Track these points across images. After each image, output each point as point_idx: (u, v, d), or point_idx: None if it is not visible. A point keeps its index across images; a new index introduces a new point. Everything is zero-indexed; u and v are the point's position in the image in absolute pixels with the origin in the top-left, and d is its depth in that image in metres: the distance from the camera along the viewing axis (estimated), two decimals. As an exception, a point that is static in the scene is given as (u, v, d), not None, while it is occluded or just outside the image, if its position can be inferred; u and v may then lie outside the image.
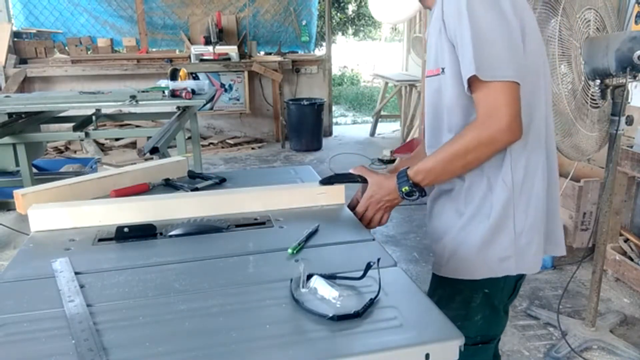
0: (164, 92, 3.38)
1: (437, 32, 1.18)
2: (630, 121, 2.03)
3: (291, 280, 0.93)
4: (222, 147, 6.36)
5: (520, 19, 1.11)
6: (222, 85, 6.37)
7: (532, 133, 1.18)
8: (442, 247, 1.26)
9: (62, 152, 5.98)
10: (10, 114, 3.26)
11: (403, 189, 1.22)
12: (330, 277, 0.94)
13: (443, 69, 1.18)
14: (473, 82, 1.10)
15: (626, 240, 3.04)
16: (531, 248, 1.20)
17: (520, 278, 1.28)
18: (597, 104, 1.99)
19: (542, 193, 1.20)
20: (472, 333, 1.24)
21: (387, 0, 1.40)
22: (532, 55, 1.15)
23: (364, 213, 1.32)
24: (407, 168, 1.22)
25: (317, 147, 6.39)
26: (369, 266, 0.95)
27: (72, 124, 3.66)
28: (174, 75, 3.73)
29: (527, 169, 1.17)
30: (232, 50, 6.23)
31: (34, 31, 6.26)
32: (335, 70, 12.46)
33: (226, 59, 6.21)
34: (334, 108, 7.89)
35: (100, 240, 1.17)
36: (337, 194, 1.40)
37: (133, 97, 3.26)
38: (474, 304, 1.24)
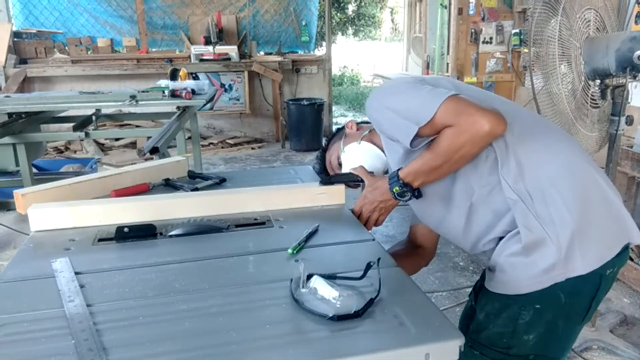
0: (164, 92, 3.38)
1: (389, 147, 1.28)
2: (630, 121, 2.02)
3: (291, 280, 0.93)
4: (222, 147, 6.35)
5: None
6: (222, 85, 6.36)
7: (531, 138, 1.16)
8: (493, 262, 1.19)
9: (62, 152, 5.98)
10: (10, 114, 3.26)
11: (394, 190, 1.21)
12: (330, 277, 0.94)
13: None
14: (422, 130, 1.11)
15: (626, 240, 3.04)
16: (581, 248, 1.09)
17: (602, 273, 1.11)
18: (597, 104, 1.99)
19: (571, 196, 1.10)
20: (522, 351, 1.16)
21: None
22: (472, 91, 1.21)
23: (360, 213, 1.32)
24: (400, 169, 1.21)
25: (317, 147, 6.36)
26: (369, 266, 0.95)
27: (72, 124, 3.66)
28: (174, 75, 3.73)
29: (539, 179, 1.11)
30: (232, 50, 6.22)
31: (34, 31, 6.26)
32: (335, 70, 12.46)
33: (226, 59, 6.21)
34: (334, 108, 7.89)
35: (100, 240, 1.17)
36: (337, 194, 1.40)
37: (133, 97, 3.26)
38: (521, 320, 1.13)
